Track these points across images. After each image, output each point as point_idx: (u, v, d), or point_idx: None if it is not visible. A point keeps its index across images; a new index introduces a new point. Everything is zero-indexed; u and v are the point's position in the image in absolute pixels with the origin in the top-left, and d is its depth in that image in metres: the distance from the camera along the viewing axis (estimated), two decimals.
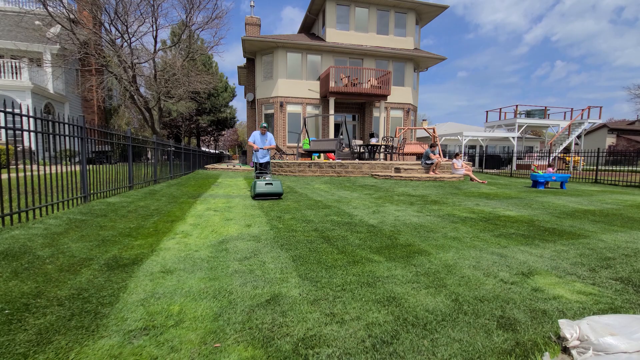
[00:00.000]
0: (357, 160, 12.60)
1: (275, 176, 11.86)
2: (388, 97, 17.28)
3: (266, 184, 5.90)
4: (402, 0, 17.55)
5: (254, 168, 7.34)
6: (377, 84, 16.59)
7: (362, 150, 14.71)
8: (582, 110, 21.17)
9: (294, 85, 17.32)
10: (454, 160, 11.53)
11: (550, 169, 9.72)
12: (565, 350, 1.43)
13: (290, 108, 17.49)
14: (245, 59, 19.45)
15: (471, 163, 16.06)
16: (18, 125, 3.60)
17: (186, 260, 2.57)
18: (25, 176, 3.55)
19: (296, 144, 14.69)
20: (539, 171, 9.68)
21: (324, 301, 1.88)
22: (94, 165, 5.50)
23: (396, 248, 2.96)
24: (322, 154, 13.88)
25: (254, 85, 19.16)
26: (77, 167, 4.83)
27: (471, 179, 10.82)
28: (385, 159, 15.07)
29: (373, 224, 3.95)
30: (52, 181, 4.17)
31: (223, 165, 18.15)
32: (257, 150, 7.14)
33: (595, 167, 11.57)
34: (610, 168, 12.82)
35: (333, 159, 12.64)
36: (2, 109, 3.30)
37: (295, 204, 5.47)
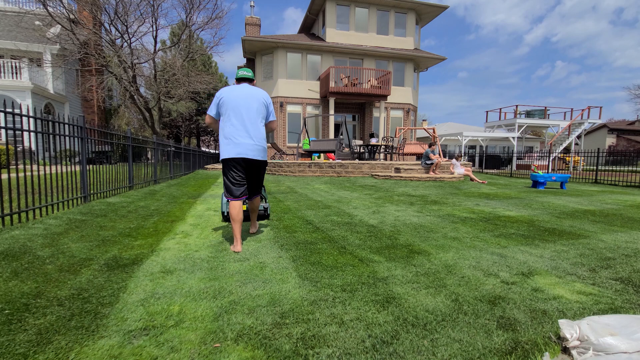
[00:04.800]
0: (357, 161, 12.60)
1: (275, 176, 11.68)
2: (388, 97, 17.27)
3: None
4: (402, 1, 17.55)
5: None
6: (377, 84, 16.59)
7: (362, 150, 14.71)
8: (582, 110, 21.16)
9: (294, 85, 17.31)
10: (453, 160, 11.57)
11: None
12: (565, 350, 1.43)
13: (290, 108, 17.48)
14: (245, 59, 19.45)
15: (471, 163, 16.07)
16: (18, 125, 3.60)
17: (186, 260, 2.57)
18: (25, 176, 3.55)
19: (296, 144, 14.69)
20: (539, 171, 9.68)
21: (324, 301, 1.88)
22: (94, 166, 5.50)
23: (396, 248, 2.96)
24: (322, 154, 13.86)
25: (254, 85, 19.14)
26: (77, 167, 4.83)
27: (471, 179, 10.82)
28: (385, 159, 15.06)
29: (373, 224, 3.95)
30: (52, 181, 4.18)
31: None
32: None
33: (595, 167, 11.57)
34: (610, 168, 12.82)
35: (333, 159, 12.63)
36: (2, 109, 3.30)
37: (295, 204, 5.47)
